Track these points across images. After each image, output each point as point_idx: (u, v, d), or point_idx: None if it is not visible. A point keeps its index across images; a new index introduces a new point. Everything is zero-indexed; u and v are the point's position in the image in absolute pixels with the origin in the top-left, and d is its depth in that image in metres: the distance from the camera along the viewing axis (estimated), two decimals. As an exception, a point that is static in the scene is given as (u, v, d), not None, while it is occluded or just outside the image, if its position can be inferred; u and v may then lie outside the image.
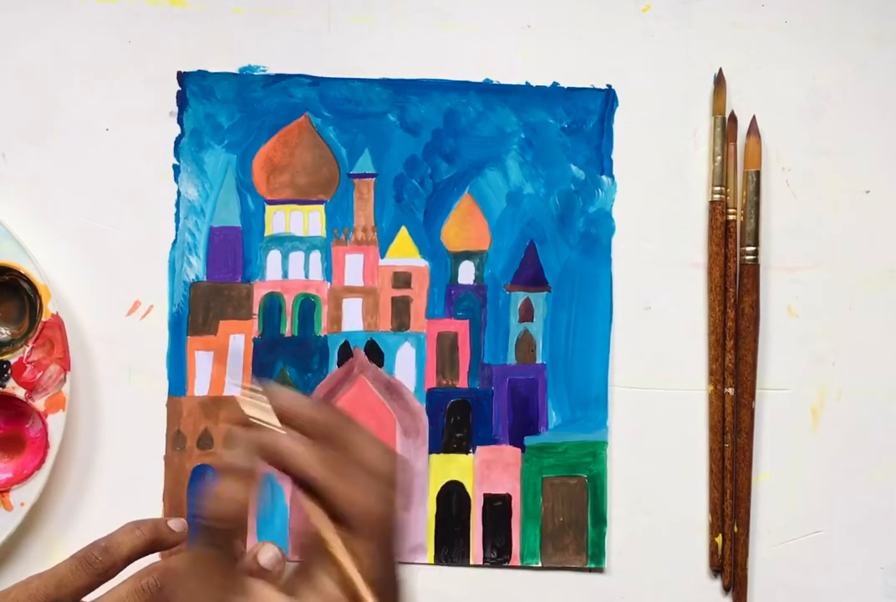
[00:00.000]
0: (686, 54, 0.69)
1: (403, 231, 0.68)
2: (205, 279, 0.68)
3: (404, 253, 0.68)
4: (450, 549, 0.67)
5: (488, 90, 0.69)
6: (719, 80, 0.69)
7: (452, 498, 0.67)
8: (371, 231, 0.68)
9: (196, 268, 0.68)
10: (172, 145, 0.68)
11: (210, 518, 0.43)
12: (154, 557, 0.64)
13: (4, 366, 0.64)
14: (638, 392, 0.68)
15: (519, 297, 0.68)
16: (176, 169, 0.68)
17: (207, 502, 0.43)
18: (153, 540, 0.62)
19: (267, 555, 0.64)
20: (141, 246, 0.68)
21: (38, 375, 0.64)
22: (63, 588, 0.60)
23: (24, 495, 0.63)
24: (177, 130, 0.68)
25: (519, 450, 0.68)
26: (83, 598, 0.60)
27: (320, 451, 0.44)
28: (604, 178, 0.69)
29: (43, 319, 0.64)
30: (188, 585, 0.44)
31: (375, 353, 0.67)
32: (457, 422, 0.67)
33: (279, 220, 0.68)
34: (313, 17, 0.69)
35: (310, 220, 0.68)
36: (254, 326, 0.67)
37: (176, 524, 0.63)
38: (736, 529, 0.67)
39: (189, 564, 0.44)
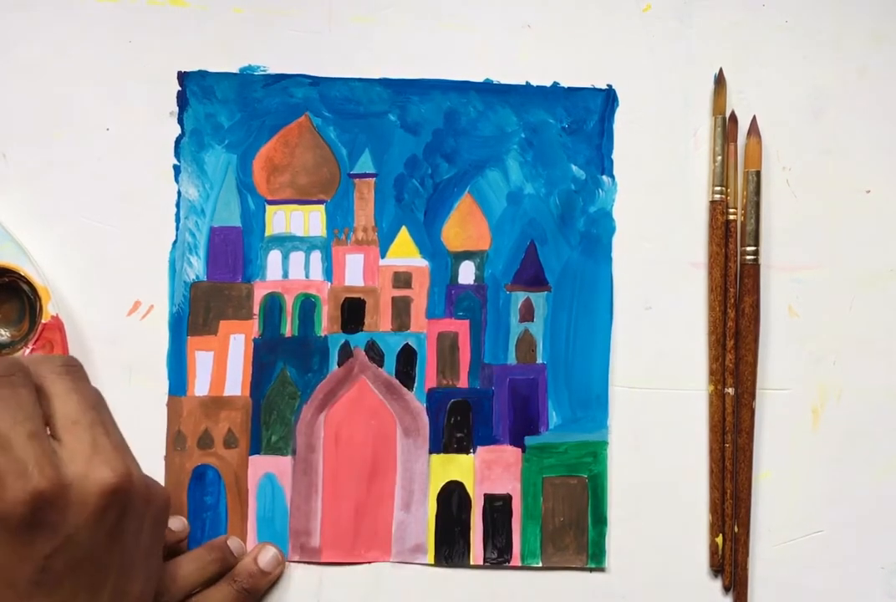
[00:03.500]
0: (686, 54, 0.69)
1: (404, 231, 0.68)
2: (205, 279, 0.68)
3: (405, 253, 0.68)
4: (450, 549, 0.67)
5: (488, 90, 0.69)
6: (719, 80, 0.69)
7: (453, 498, 0.67)
8: (371, 231, 0.68)
9: (196, 268, 0.68)
10: (173, 145, 0.68)
11: None
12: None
13: (5, 366, 0.64)
14: (638, 392, 0.68)
15: (519, 297, 0.68)
16: (176, 169, 0.68)
17: None
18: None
19: (266, 556, 0.65)
20: (141, 246, 0.68)
21: (39, 376, 0.64)
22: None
23: (25, 496, 0.63)
24: (177, 130, 0.68)
25: (519, 450, 0.68)
26: None
27: None
28: (604, 178, 0.69)
29: (43, 321, 0.64)
30: None
31: (375, 353, 0.68)
32: (457, 422, 0.67)
33: (279, 220, 0.68)
34: (313, 17, 0.69)
35: (310, 220, 0.68)
36: (254, 326, 0.67)
37: (175, 523, 0.64)
38: (736, 529, 0.67)
39: None
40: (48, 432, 0.51)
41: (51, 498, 0.49)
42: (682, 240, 0.69)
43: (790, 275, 0.69)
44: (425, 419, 0.67)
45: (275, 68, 0.68)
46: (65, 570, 0.50)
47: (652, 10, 0.69)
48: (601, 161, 0.69)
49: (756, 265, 0.68)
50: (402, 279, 0.68)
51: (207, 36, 0.68)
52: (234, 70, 0.68)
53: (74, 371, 0.53)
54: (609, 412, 0.68)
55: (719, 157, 0.68)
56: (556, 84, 0.69)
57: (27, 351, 0.64)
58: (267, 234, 0.68)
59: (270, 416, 0.67)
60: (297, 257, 0.68)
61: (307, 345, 0.67)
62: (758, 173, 0.68)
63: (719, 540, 0.67)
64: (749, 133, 0.68)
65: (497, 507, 0.67)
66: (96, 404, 0.53)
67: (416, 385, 0.67)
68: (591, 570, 0.67)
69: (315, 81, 0.68)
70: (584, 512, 0.67)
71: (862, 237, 0.69)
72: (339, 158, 0.68)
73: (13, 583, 0.49)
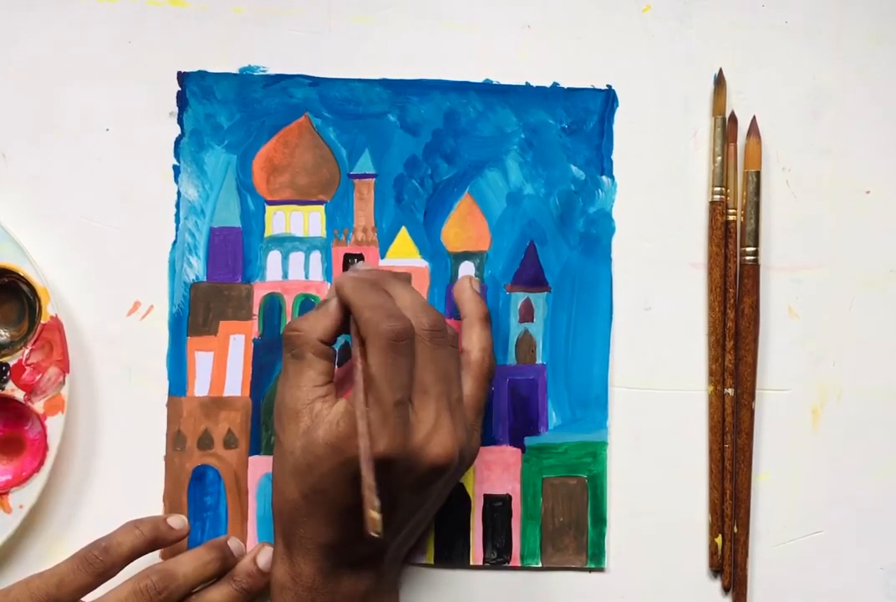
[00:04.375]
0: (686, 54, 0.69)
1: (403, 231, 0.68)
2: (205, 280, 0.68)
3: (404, 253, 0.68)
4: (450, 549, 0.67)
5: (488, 90, 0.69)
6: (719, 80, 0.69)
7: (452, 498, 0.67)
8: (371, 231, 0.68)
9: (196, 268, 0.68)
10: (172, 145, 0.68)
11: (291, 329, 0.60)
12: (154, 555, 0.65)
13: (4, 368, 0.64)
14: (638, 392, 0.68)
15: (519, 298, 0.68)
16: (176, 169, 0.68)
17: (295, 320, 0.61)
18: (153, 538, 0.62)
19: (264, 557, 0.65)
20: (141, 246, 0.68)
21: (38, 378, 0.64)
22: (64, 587, 0.60)
23: (24, 497, 0.63)
24: (177, 131, 0.68)
25: (519, 450, 0.68)
26: (83, 598, 0.60)
27: (361, 281, 0.60)
28: (604, 178, 0.69)
29: (42, 322, 0.64)
30: None
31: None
32: (457, 422, 0.67)
33: (279, 220, 0.68)
34: (313, 17, 0.69)
35: (310, 221, 0.68)
36: (254, 327, 0.67)
37: (175, 521, 0.64)
38: (736, 530, 0.67)
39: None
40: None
41: (391, 461, 0.56)
42: (682, 240, 0.69)
43: (790, 275, 0.69)
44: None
45: (275, 68, 0.68)
46: None
47: (652, 11, 0.69)
48: (601, 161, 0.69)
49: (756, 265, 0.68)
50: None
51: (207, 36, 0.68)
52: (234, 70, 0.68)
53: (438, 337, 0.59)
54: (609, 412, 0.68)
55: (719, 158, 0.68)
56: (555, 84, 0.69)
57: (26, 352, 0.64)
58: (267, 234, 0.68)
59: (270, 416, 0.67)
60: (296, 258, 0.68)
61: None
62: (757, 174, 0.68)
63: (719, 540, 0.67)
64: (749, 133, 0.68)
65: (497, 508, 0.67)
66: (445, 373, 0.59)
67: (415, 385, 0.67)
68: (590, 570, 0.67)
69: (315, 82, 0.68)
70: (583, 512, 0.67)
71: (862, 237, 0.69)
72: (339, 159, 0.68)
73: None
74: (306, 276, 0.68)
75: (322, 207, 0.68)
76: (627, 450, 0.68)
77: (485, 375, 0.62)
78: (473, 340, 0.63)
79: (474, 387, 0.62)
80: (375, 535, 0.52)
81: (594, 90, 0.69)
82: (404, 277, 0.65)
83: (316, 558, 0.59)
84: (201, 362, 0.67)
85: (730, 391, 0.67)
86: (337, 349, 0.62)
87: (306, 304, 0.68)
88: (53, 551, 0.65)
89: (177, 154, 0.68)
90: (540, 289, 0.68)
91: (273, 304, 0.68)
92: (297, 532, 0.59)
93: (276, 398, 0.61)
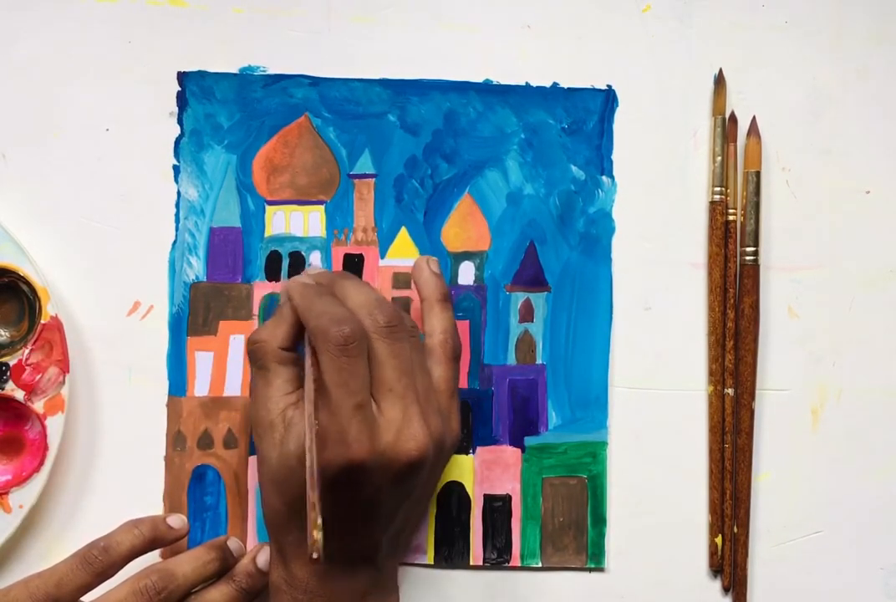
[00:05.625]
0: (686, 54, 0.69)
1: (403, 231, 0.68)
2: (205, 280, 0.68)
3: (404, 253, 0.68)
4: (450, 549, 0.67)
5: (488, 90, 0.69)
6: (719, 81, 0.69)
7: (452, 498, 0.67)
8: (371, 231, 0.68)
9: (196, 268, 0.68)
10: (172, 145, 0.68)
11: (251, 341, 0.61)
12: (154, 555, 0.65)
13: (4, 368, 0.64)
14: (638, 392, 0.68)
15: (519, 298, 0.68)
16: (176, 169, 0.68)
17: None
18: (152, 538, 0.62)
19: (263, 557, 0.65)
20: (141, 246, 0.68)
21: (38, 377, 0.64)
22: (63, 586, 0.60)
23: (23, 497, 0.63)
24: (177, 130, 0.68)
25: (519, 450, 0.68)
26: (82, 597, 0.60)
27: (308, 286, 0.60)
28: (604, 178, 0.69)
29: (42, 322, 0.64)
30: None
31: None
32: (457, 422, 0.67)
33: (279, 220, 0.68)
34: (313, 17, 0.69)
35: (310, 221, 0.68)
36: (254, 327, 0.67)
37: (175, 521, 0.64)
38: (736, 530, 0.67)
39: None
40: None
41: (361, 466, 0.56)
42: (682, 240, 0.69)
43: (790, 275, 0.69)
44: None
45: (274, 68, 0.68)
46: (353, 517, 0.58)
47: (652, 11, 0.69)
48: (601, 161, 0.69)
49: (756, 266, 0.68)
50: (402, 280, 0.68)
51: (207, 36, 0.68)
52: (234, 70, 0.68)
53: (395, 332, 0.58)
54: (608, 412, 0.68)
55: (719, 158, 0.68)
56: (555, 84, 0.69)
57: (26, 351, 0.64)
58: (266, 234, 0.68)
59: (270, 416, 0.67)
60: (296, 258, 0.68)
61: (307, 345, 0.67)
62: (757, 174, 0.68)
63: (718, 540, 0.67)
64: (749, 133, 0.68)
65: (497, 508, 0.67)
66: (409, 369, 0.58)
67: (415, 385, 0.67)
68: (590, 570, 0.67)
69: (315, 82, 0.68)
70: (583, 512, 0.67)
71: (862, 237, 0.69)
72: (339, 159, 0.68)
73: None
74: (306, 276, 0.68)
75: (322, 207, 0.68)
76: (627, 450, 0.68)
77: (450, 357, 0.62)
78: (434, 324, 0.63)
79: (441, 370, 0.62)
80: (315, 557, 0.52)
81: (594, 90, 0.69)
82: (355, 276, 0.64)
83: (307, 562, 0.59)
84: (201, 362, 0.67)
85: (730, 391, 0.67)
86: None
87: (306, 304, 0.67)
88: (53, 551, 0.65)
89: (177, 154, 0.68)
90: (540, 289, 0.68)
91: (273, 305, 0.68)
92: (286, 539, 0.59)
93: (251, 411, 0.61)
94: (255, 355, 0.61)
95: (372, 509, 0.58)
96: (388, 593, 0.62)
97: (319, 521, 0.52)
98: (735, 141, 0.68)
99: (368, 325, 0.58)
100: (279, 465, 0.59)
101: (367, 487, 0.57)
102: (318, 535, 0.52)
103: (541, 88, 0.69)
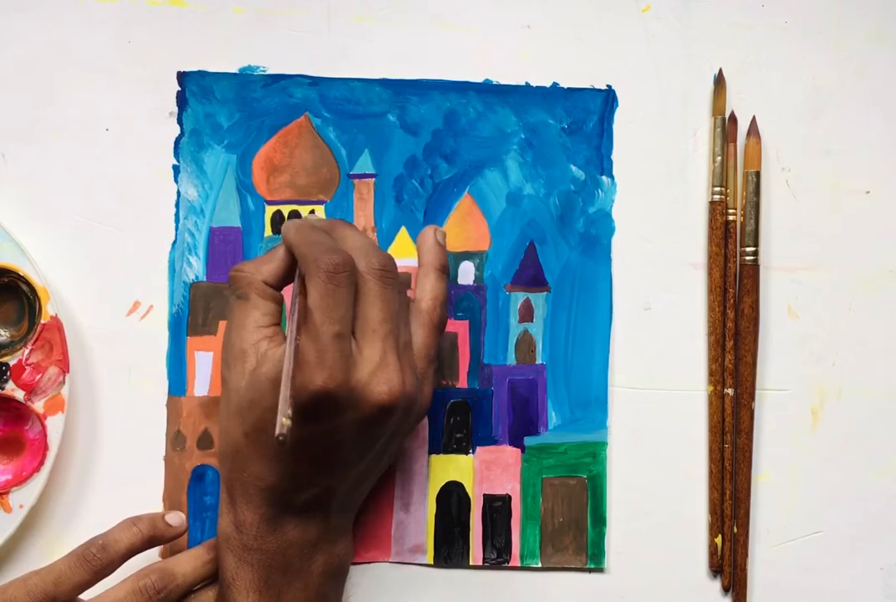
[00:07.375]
0: (686, 54, 0.69)
1: (403, 231, 0.68)
2: (205, 279, 0.68)
3: (404, 253, 0.68)
4: (449, 549, 0.67)
5: (488, 90, 0.69)
6: (719, 81, 0.69)
7: (452, 498, 0.67)
8: (371, 231, 0.68)
9: (196, 268, 0.68)
10: (172, 145, 0.68)
11: (236, 269, 0.60)
12: (153, 555, 0.65)
13: (4, 368, 0.64)
14: (638, 392, 0.68)
15: (519, 298, 0.68)
16: (176, 169, 0.68)
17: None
18: (151, 536, 0.62)
19: None
20: (141, 246, 0.68)
21: (38, 377, 0.64)
22: (61, 584, 0.60)
23: (24, 497, 0.63)
24: (176, 130, 0.68)
25: (519, 450, 0.68)
26: (81, 596, 0.60)
27: (305, 226, 0.60)
28: (604, 178, 0.69)
29: (42, 322, 0.64)
30: None
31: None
32: (456, 422, 0.67)
33: (279, 220, 0.68)
34: (313, 17, 0.69)
35: (309, 221, 0.68)
36: (254, 327, 0.67)
37: (173, 518, 0.64)
38: (736, 530, 0.67)
39: None
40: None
41: (332, 396, 0.55)
42: (682, 240, 0.69)
43: (790, 275, 0.69)
44: (424, 419, 0.67)
45: (274, 68, 0.68)
46: (314, 454, 0.58)
47: (651, 11, 0.69)
48: (601, 161, 0.69)
49: (755, 266, 0.68)
50: (402, 280, 0.68)
51: (207, 36, 0.68)
52: (234, 70, 0.68)
53: (387, 277, 0.58)
54: (608, 412, 0.68)
55: (719, 158, 0.68)
56: (555, 84, 0.69)
57: (26, 351, 0.64)
58: (266, 234, 0.68)
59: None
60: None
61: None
62: (757, 174, 0.68)
63: (718, 540, 0.67)
64: (749, 133, 0.68)
65: (496, 508, 0.67)
66: (394, 315, 0.58)
67: (415, 385, 0.67)
68: (590, 570, 0.67)
69: (314, 81, 0.68)
70: (583, 512, 0.67)
71: (862, 237, 0.69)
72: (339, 159, 0.68)
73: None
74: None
75: (322, 207, 0.68)
76: (627, 450, 0.68)
77: (434, 324, 0.62)
78: (426, 289, 0.63)
79: (424, 334, 0.62)
80: (281, 439, 0.50)
81: (594, 90, 0.69)
82: (355, 226, 0.64)
83: (259, 505, 0.59)
84: (201, 362, 0.67)
85: (729, 391, 0.67)
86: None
87: (306, 303, 0.68)
88: (53, 551, 0.65)
89: (176, 154, 0.68)
90: (540, 289, 0.68)
91: (273, 304, 0.67)
92: (240, 476, 0.59)
93: (224, 339, 0.61)
94: (238, 283, 0.60)
95: (333, 451, 0.57)
96: (339, 543, 0.62)
97: (290, 412, 0.51)
98: (735, 141, 0.68)
99: (363, 266, 0.57)
100: (248, 390, 0.58)
101: (334, 421, 0.56)
102: (287, 421, 0.51)
103: (541, 88, 0.69)
